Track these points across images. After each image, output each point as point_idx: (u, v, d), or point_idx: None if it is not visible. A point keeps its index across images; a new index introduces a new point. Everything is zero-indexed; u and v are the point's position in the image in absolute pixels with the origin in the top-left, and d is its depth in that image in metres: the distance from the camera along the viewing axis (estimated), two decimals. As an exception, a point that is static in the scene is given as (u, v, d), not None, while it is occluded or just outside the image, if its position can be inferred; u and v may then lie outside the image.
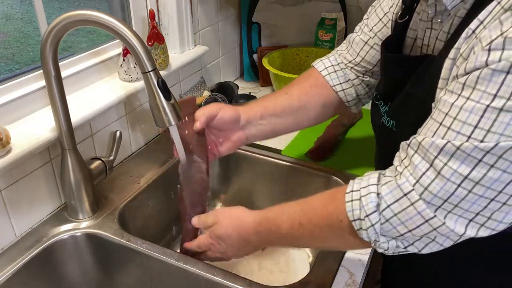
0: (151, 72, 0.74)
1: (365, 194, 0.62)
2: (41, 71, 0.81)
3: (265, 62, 1.35)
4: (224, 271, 0.78)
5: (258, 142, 1.19)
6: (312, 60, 1.48)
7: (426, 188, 0.56)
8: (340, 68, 0.94)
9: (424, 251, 0.63)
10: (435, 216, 0.57)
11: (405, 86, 0.73)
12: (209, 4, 1.34)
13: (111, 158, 0.97)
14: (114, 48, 1.11)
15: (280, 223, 0.73)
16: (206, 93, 1.30)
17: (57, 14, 0.74)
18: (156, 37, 1.08)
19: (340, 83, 0.93)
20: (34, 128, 0.86)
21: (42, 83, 0.88)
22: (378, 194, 0.61)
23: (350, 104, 0.96)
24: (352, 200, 0.63)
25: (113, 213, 0.92)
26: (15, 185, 0.83)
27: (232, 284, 0.76)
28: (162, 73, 1.10)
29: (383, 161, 0.74)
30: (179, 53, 1.23)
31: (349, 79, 0.93)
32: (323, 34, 1.46)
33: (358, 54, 0.92)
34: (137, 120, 1.13)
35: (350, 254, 0.82)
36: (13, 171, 0.82)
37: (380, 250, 0.65)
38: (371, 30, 0.90)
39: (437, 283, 0.87)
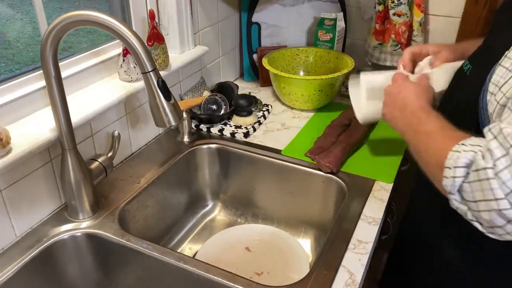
0: (151, 72, 0.74)
1: (466, 150, 0.64)
2: (41, 71, 0.82)
3: (265, 62, 1.35)
4: (224, 271, 0.78)
5: (258, 142, 1.19)
6: (312, 60, 1.48)
7: (498, 172, 0.58)
8: None
9: (488, 233, 0.64)
10: (504, 198, 0.58)
11: (490, 37, 0.78)
12: (209, 4, 1.34)
13: (110, 157, 0.97)
14: (114, 48, 1.11)
15: (428, 119, 0.78)
16: (206, 93, 1.30)
17: (57, 15, 0.74)
18: (156, 37, 1.08)
19: None
20: (34, 128, 0.86)
21: (42, 83, 0.88)
22: (473, 154, 0.63)
23: None
24: (455, 151, 0.65)
25: (113, 213, 0.92)
26: (15, 185, 0.84)
27: (232, 284, 0.76)
28: (162, 73, 1.10)
29: (445, 110, 0.82)
30: (179, 53, 1.23)
31: None
32: (323, 34, 1.46)
33: None
34: (137, 120, 1.13)
35: (350, 254, 0.82)
36: (13, 171, 0.82)
37: (452, 206, 0.67)
38: None
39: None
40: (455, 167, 0.63)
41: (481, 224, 0.63)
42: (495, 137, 0.60)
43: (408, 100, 0.85)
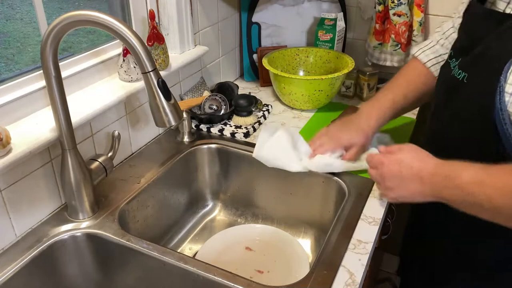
0: (151, 72, 0.75)
1: None
2: (41, 71, 0.82)
3: (265, 62, 1.35)
4: (224, 271, 0.78)
5: (258, 142, 1.19)
6: (312, 60, 1.49)
7: None
8: (443, 59, 1.00)
9: None
10: None
11: (480, 42, 0.76)
12: (209, 4, 1.34)
13: (110, 157, 0.97)
14: (114, 48, 1.11)
15: (461, 174, 0.72)
16: (206, 93, 1.30)
17: (57, 15, 0.74)
18: (156, 37, 1.08)
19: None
20: (34, 128, 0.86)
21: (42, 83, 0.88)
22: None
23: None
24: None
25: (113, 213, 0.92)
26: (16, 185, 0.84)
27: (232, 284, 0.76)
28: (162, 73, 1.10)
29: (441, 115, 0.83)
30: (179, 53, 1.23)
31: None
32: (323, 34, 1.46)
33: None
34: (137, 120, 1.13)
35: (350, 254, 0.82)
36: (13, 171, 0.82)
37: None
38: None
39: None
40: None
41: None
42: None
43: (419, 168, 0.79)
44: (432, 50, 1.04)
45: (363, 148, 1.02)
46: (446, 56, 0.99)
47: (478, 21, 0.82)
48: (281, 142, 1.05)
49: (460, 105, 0.81)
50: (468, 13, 0.87)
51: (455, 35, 0.97)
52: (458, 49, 0.87)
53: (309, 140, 1.07)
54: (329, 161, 1.01)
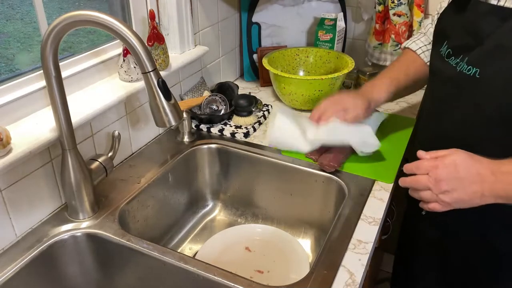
0: (151, 72, 0.75)
1: None
2: (42, 71, 0.82)
3: (265, 62, 1.35)
4: (224, 271, 0.78)
5: (258, 142, 1.19)
6: (312, 60, 1.49)
7: None
8: (428, 49, 1.08)
9: None
10: None
11: (487, 37, 0.79)
12: (209, 4, 1.34)
13: (110, 157, 0.97)
14: (114, 49, 1.11)
15: (505, 166, 0.72)
16: (206, 93, 1.30)
17: (57, 15, 0.74)
18: (156, 38, 1.08)
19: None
20: (35, 128, 0.86)
21: (43, 83, 0.89)
22: None
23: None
24: None
25: (113, 213, 0.92)
26: (16, 185, 0.84)
27: (232, 284, 0.76)
28: (162, 73, 1.10)
29: (445, 111, 0.85)
30: (179, 53, 1.23)
31: None
32: (323, 34, 1.46)
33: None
34: (137, 120, 1.13)
35: (350, 254, 0.82)
36: (14, 171, 0.82)
37: None
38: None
39: None
40: None
41: None
42: None
43: (478, 167, 0.76)
44: (421, 40, 1.11)
45: (364, 115, 1.05)
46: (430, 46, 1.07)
47: (481, 17, 0.83)
48: (285, 125, 1.07)
49: (473, 100, 0.82)
50: (468, 11, 0.88)
51: (431, 29, 1.05)
52: (458, 47, 0.87)
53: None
54: (335, 125, 1.02)
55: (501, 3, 0.79)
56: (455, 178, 0.76)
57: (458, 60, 0.85)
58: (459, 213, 0.83)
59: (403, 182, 0.83)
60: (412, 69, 1.09)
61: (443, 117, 0.92)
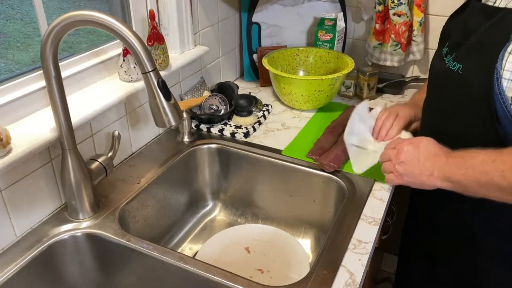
0: (151, 73, 0.75)
1: None
2: (41, 71, 0.82)
3: (265, 62, 1.35)
4: (224, 271, 0.78)
5: (258, 142, 1.19)
6: (312, 60, 1.49)
7: None
8: None
9: None
10: None
11: (472, 35, 0.81)
12: (209, 4, 1.34)
13: (110, 157, 0.97)
14: (114, 49, 1.11)
15: (475, 155, 0.76)
16: (206, 93, 1.30)
17: (57, 15, 0.74)
18: (156, 38, 1.08)
19: None
20: (35, 128, 0.86)
21: (42, 83, 0.88)
22: None
23: None
24: None
25: (113, 213, 0.92)
26: (16, 185, 0.84)
27: (232, 284, 0.76)
28: (162, 73, 1.10)
29: (438, 107, 0.87)
30: (179, 53, 1.23)
31: None
32: (323, 34, 1.46)
33: None
34: (137, 120, 1.13)
35: (350, 254, 0.82)
36: (14, 171, 0.82)
37: None
38: None
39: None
40: None
41: None
42: None
43: (436, 149, 0.83)
44: None
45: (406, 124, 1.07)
46: None
47: (470, 16, 0.87)
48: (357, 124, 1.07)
49: (458, 95, 0.84)
50: (466, 11, 0.91)
51: None
52: (452, 45, 0.90)
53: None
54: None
55: (497, 4, 0.81)
56: (413, 152, 0.84)
57: (450, 57, 0.88)
58: (457, 216, 0.83)
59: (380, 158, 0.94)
60: None
61: (438, 113, 0.94)
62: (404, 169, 0.85)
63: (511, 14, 0.76)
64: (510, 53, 0.73)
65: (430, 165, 0.81)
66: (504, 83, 0.74)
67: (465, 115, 0.84)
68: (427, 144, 0.85)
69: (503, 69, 0.74)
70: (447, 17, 1.01)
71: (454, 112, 0.87)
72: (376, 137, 1.06)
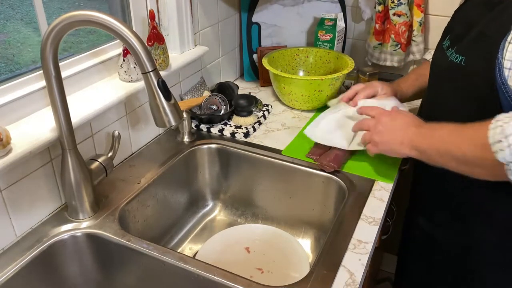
0: (151, 73, 0.75)
1: (506, 122, 0.68)
2: (42, 71, 0.82)
3: (265, 62, 1.35)
4: (224, 271, 0.78)
5: (258, 142, 1.19)
6: (312, 60, 1.49)
7: None
8: None
9: None
10: None
11: (473, 27, 0.83)
12: (209, 4, 1.34)
13: (110, 157, 0.97)
14: (114, 49, 1.11)
15: (443, 126, 0.82)
16: (206, 93, 1.30)
17: (57, 15, 0.74)
18: (156, 38, 1.08)
19: None
20: (35, 128, 0.86)
21: (43, 83, 0.89)
22: None
23: None
24: (495, 128, 0.70)
25: (113, 213, 0.92)
26: (16, 185, 0.84)
27: (232, 284, 0.76)
28: (162, 73, 1.10)
29: (440, 100, 0.90)
30: (179, 54, 1.23)
31: None
32: (323, 34, 1.46)
33: None
34: (137, 120, 1.13)
35: (350, 254, 0.82)
36: (14, 171, 0.82)
37: (511, 178, 0.70)
38: None
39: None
40: (506, 136, 0.67)
41: None
42: None
43: (411, 119, 0.89)
44: None
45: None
46: None
47: (472, 9, 0.88)
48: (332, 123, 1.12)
49: (461, 87, 0.85)
50: (467, 4, 0.92)
51: None
52: (454, 38, 0.90)
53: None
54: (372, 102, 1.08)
55: None
56: (389, 122, 0.91)
57: (452, 51, 0.88)
58: (458, 216, 0.83)
59: (354, 126, 1.00)
60: None
61: (438, 107, 0.94)
62: (379, 138, 0.92)
63: (509, 7, 0.76)
64: (510, 42, 0.73)
65: (402, 134, 0.87)
66: (506, 73, 0.75)
67: (469, 107, 0.84)
68: (404, 116, 0.91)
69: (504, 59, 0.74)
70: (447, 17, 1.01)
71: (456, 104, 0.87)
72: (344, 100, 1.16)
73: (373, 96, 1.14)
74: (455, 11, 0.99)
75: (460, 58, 0.84)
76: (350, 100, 1.15)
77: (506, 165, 0.68)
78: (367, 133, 0.96)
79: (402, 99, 1.16)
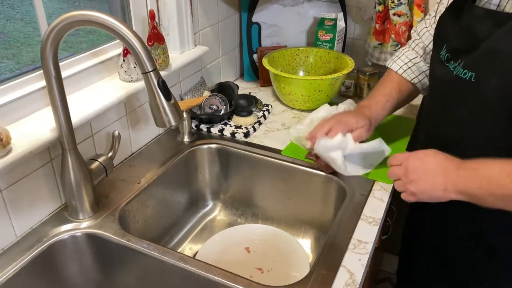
0: (151, 73, 0.75)
1: None
2: (42, 71, 0.82)
3: (265, 62, 1.35)
4: (224, 271, 0.78)
5: (258, 142, 1.19)
6: (312, 60, 1.49)
7: None
8: (413, 64, 1.11)
9: None
10: None
11: (482, 41, 0.79)
12: (209, 4, 1.34)
13: (110, 157, 0.97)
14: (114, 49, 1.11)
15: (489, 166, 0.75)
16: (206, 93, 1.30)
17: (58, 15, 0.74)
18: (156, 37, 1.08)
19: (416, 76, 1.11)
20: (35, 128, 0.86)
21: (43, 83, 0.89)
22: None
23: (424, 91, 1.14)
24: None
25: (113, 213, 0.92)
26: (16, 185, 0.84)
27: (232, 284, 0.76)
28: (162, 73, 1.10)
29: (448, 115, 0.86)
30: (179, 53, 1.23)
31: (422, 71, 1.11)
32: (323, 34, 1.46)
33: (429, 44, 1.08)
34: (137, 120, 1.13)
35: (350, 254, 0.82)
36: (14, 171, 0.82)
37: None
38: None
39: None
40: None
41: None
42: None
43: (444, 160, 0.81)
44: (402, 59, 1.13)
45: (367, 134, 1.05)
46: (417, 60, 1.11)
47: (478, 21, 0.84)
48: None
49: (473, 103, 0.82)
50: (464, 15, 0.89)
51: (428, 34, 1.09)
52: (456, 51, 0.88)
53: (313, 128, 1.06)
54: (347, 139, 1.00)
55: (501, 8, 0.80)
56: (421, 168, 0.82)
57: (456, 64, 0.86)
58: (458, 216, 0.83)
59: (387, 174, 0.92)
60: (404, 85, 1.12)
61: (442, 119, 0.92)
62: (416, 188, 0.83)
63: None
64: None
65: (442, 179, 0.79)
66: None
67: (478, 119, 0.82)
68: (434, 157, 0.82)
69: None
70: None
71: (469, 120, 0.85)
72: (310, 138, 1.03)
73: (349, 131, 1.03)
74: (442, 18, 0.96)
75: (469, 74, 0.81)
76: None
77: None
78: (399, 182, 0.88)
79: (375, 124, 1.09)
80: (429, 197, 0.83)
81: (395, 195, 1.06)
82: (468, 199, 0.78)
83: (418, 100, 1.39)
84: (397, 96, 1.10)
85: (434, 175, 0.80)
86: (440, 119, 0.93)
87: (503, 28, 0.77)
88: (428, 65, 1.06)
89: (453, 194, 0.79)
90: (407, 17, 1.38)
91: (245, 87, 1.54)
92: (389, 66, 1.14)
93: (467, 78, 0.82)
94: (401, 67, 1.12)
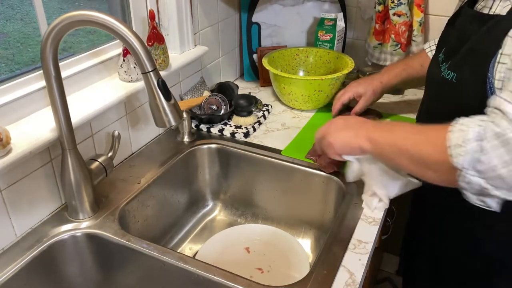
0: (151, 73, 0.75)
1: (469, 126, 0.65)
2: (41, 71, 0.82)
3: (265, 62, 1.35)
4: (224, 271, 0.78)
5: (258, 142, 1.19)
6: (312, 60, 1.49)
7: None
8: None
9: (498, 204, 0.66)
10: None
11: (464, 43, 0.81)
12: (209, 4, 1.34)
13: (110, 157, 0.97)
14: (114, 49, 1.11)
15: (405, 124, 0.82)
16: (206, 93, 1.30)
17: (57, 15, 0.74)
18: (156, 38, 1.08)
19: None
20: (35, 128, 0.86)
21: (42, 83, 0.88)
22: (480, 129, 0.64)
23: None
24: (455, 131, 0.66)
25: (113, 213, 0.92)
26: (16, 185, 0.84)
27: (232, 284, 0.76)
28: (162, 73, 1.10)
29: (434, 114, 0.88)
30: (179, 54, 1.23)
31: None
32: (323, 34, 1.46)
33: None
34: (137, 120, 1.13)
35: (350, 254, 0.82)
36: (14, 171, 0.82)
37: (461, 184, 0.67)
38: None
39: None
40: (465, 141, 0.64)
41: (496, 188, 0.64)
42: (509, 102, 0.64)
43: (362, 119, 0.89)
44: (435, 41, 1.15)
45: (370, 100, 1.22)
46: None
47: (465, 24, 0.86)
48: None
49: (454, 103, 0.83)
50: (459, 18, 0.91)
51: None
52: (448, 52, 0.89)
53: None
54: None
55: (492, 11, 0.79)
56: (343, 123, 0.89)
57: (446, 65, 0.87)
58: (454, 220, 0.82)
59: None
60: (426, 62, 1.10)
61: (435, 118, 0.93)
62: (333, 138, 0.88)
63: (503, 21, 0.74)
64: (499, 62, 0.71)
65: (357, 127, 0.85)
66: (497, 93, 0.72)
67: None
68: (356, 117, 0.94)
69: (495, 79, 0.73)
70: (447, 17, 1.00)
71: (450, 118, 0.86)
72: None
73: (359, 97, 1.21)
74: (449, 20, 0.98)
75: (452, 75, 0.83)
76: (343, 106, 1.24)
77: (460, 170, 0.65)
78: (317, 144, 0.97)
79: (385, 88, 1.20)
80: (342, 143, 0.87)
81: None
82: (373, 149, 0.81)
83: (418, 100, 1.39)
84: (418, 69, 1.16)
85: (352, 126, 0.87)
86: (430, 120, 0.94)
87: (483, 29, 0.77)
88: None
89: (362, 140, 0.82)
90: (407, 17, 1.38)
91: (245, 87, 1.54)
92: (424, 48, 1.21)
93: (449, 79, 0.83)
94: (430, 46, 1.18)
